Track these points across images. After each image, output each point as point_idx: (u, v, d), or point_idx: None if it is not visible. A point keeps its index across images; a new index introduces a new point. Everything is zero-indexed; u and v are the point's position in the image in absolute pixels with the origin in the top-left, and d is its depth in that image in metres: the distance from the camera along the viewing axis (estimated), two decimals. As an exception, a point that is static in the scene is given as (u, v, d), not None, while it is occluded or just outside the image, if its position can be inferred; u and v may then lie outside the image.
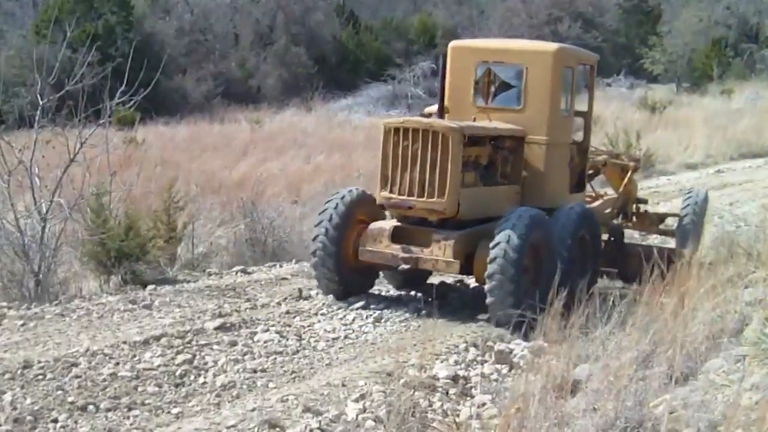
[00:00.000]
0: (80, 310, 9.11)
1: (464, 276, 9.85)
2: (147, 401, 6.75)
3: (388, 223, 9.31)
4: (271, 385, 7.22)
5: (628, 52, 46.01)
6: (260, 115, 32.67)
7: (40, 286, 9.72)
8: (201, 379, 7.27)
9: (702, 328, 6.38)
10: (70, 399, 6.63)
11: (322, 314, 9.30)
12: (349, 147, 22.88)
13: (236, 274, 11.28)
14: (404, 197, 8.96)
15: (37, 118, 10.45)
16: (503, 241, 8.42)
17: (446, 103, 9.50)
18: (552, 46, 10.21)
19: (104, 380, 7.04)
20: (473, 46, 10.39)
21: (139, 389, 6.96)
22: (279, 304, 9.69)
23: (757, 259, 8.09)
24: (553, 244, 8.85)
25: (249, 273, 11.36)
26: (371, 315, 9.26)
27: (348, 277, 9.51)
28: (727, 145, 25.49)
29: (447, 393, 7.11)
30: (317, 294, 10.10)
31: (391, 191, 9.05)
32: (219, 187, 15.91)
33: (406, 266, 9.26)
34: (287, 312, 9.31)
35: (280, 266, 11.80)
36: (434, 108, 9.68)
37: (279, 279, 11.03)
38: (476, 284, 9.80)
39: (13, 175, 10.17)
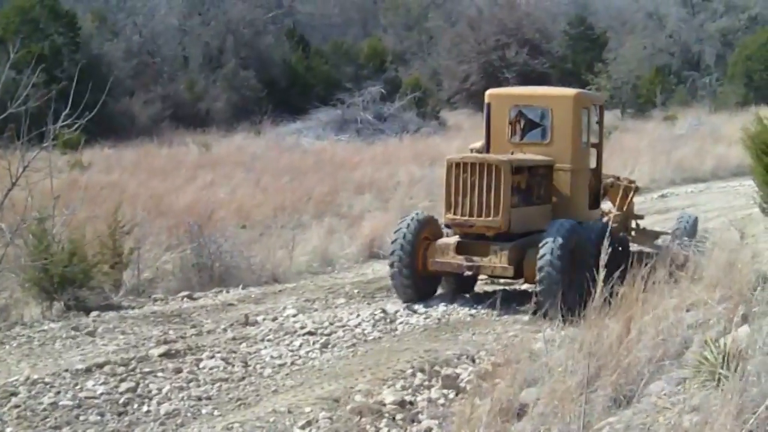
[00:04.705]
0: (21, 338, 8.96)
1: (515, 279, 11.26)
2: (89, 431, 6.63)
3: (452, 239, 11.10)
4: (216, 412, 7.14)
5: (575, 78, 46.45)
6: (209, 139, 32.43)
7: (-20, 313, 9.53)
8: (145, 408, 7.18)
9: (646, 352, 6.45)
10: (8, 429, 6.50)
11: (268, 340, 9.24)
12: (299, 171, 22.82)
13: (182, 299, 11.17)
14: (466, 217, 10.79)
15: (-23, 141, 10.27)
16: (549, 246, 10.15)
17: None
18: (572, 91, 12.18)
19: (44, 410, 6.92)
20: (507, 93, 12.59)
21: (81, 419, 6.85)
22: (225, 330, 9.62)
23: (699, 283, 8.22)
24: (585, 249, 10.46)
25: (195, 299, 11.25)
26: (318, 341, 9.23)
27: (418, 284, 11.17)
28: (671, 170, 25.89)
29: (394, 418, 7.10)
30: (263, 320, 10.05)
31: (454, 213, 10.84)
32: (166, 212, 15.74)
33: (469, 273, 10.95)
34: (233, 338, 9.24)
35: (227, 292, 11.71)
36: (478, 144, 11.90)
37: (225, 305, 10.95)
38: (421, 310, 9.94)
39: (-48, 200, 9.97)
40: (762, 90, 44.97)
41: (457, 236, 11.13)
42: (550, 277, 10.05)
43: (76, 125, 10.90)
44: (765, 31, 48.37)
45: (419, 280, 11.18)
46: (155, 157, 26.79)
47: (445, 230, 11.42)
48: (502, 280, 12.04)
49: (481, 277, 11.72)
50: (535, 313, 9.71)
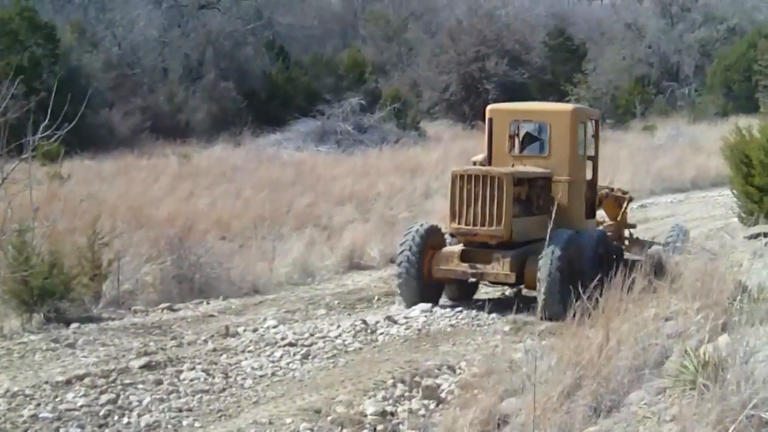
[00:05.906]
0: (0, 350, 8.89)
1: (517, 286, 11.92)
2: (68, 443, 6.60)
3: (457, 247, 11.62)
4: (197, 424, 7.12)
5: (554, 89, 46.66)
6: (189, 150, 32.29)
7: (-41, 326, 9.46)
8: (125, 420, 7.15)
9: (626, 361, 6.48)
10: (-12, 442, 6.46)
11: (249, 351, 9.22)
12: (279, 183, 22.80)
13: (162, 311, 11.14)
14: (470, 227, 11.27)
15: (-44, 152, 10.18)
16: (550, 254, 10.63)
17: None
18: (569, 106, 12.91)
19: (24, 422, 6.88)
20: (507, 108, 12.98)
21: (61, 431, 6.81)
22: (205, 341, 9.60)
23: (678, 292, 8.26)
24: (583, 257, 10.98)
25: (175, 310, 11.22)
26: (299, 352, 9.22)
27: (424, 290, 11.58)
28: (651, 180, 26.02)
29: (375, 429, 7.11)
30: (244, 331, 10.03)
31: (459, 222, 11.31)
32: (146, 223, 15.69)
33: (473, 279, 11.61)
34: (214, 349, 9.22)
35: (207, 303, 11.69)
36: (479, 157, 12.32)
37: (206, 316, 10.93)
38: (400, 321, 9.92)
39: (-70, 212, 9.91)
40: (741, 100, 45.25)
41: (461, 245, 11.60)
42: (550, 283, 10.53)
43: (56, 137, 10.83)
44: (743, 42, 48.74)
45: (425, 288, 11.59)
46: (135, 169, 26.69)
47: (448, 239, 11.87)
48: (487, 288, 12.43)
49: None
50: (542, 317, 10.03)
